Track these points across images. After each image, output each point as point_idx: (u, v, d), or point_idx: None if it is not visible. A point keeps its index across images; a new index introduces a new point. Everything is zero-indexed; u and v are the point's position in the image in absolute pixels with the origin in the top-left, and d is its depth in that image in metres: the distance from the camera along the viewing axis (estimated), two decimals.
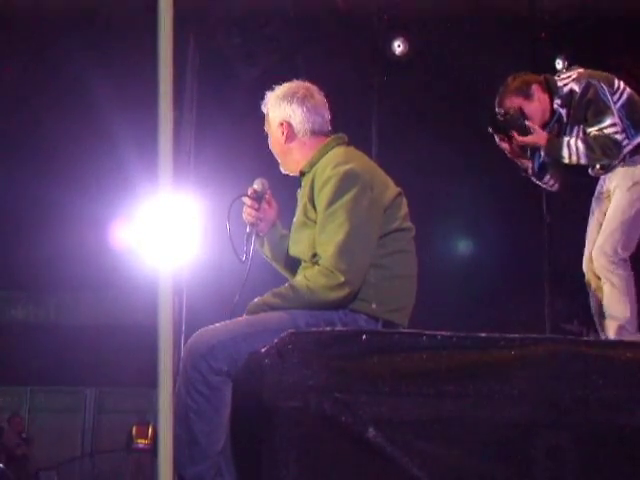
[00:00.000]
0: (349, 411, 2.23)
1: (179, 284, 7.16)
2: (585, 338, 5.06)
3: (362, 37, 7.82)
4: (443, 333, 2.37)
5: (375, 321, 2.69)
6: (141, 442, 12.30)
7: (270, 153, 3.07)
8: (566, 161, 3.73)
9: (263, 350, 2.31)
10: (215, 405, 2.51)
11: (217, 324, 2.63)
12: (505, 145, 3.90)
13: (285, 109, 2.89)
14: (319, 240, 2.69)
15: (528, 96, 3.77)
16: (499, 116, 3.80)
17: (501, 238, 7.77)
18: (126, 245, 8.73)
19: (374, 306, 2.68)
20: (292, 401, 2.23)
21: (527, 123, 3.75)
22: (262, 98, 3.02)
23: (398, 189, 2.86)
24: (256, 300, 2.71)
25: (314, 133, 2.91)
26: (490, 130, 3.85)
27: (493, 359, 2.36)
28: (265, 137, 3.04)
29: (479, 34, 7.57)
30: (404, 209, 2.84)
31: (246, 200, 2.97)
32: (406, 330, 2.67)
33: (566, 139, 3.72)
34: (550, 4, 8.12)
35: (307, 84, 2.96)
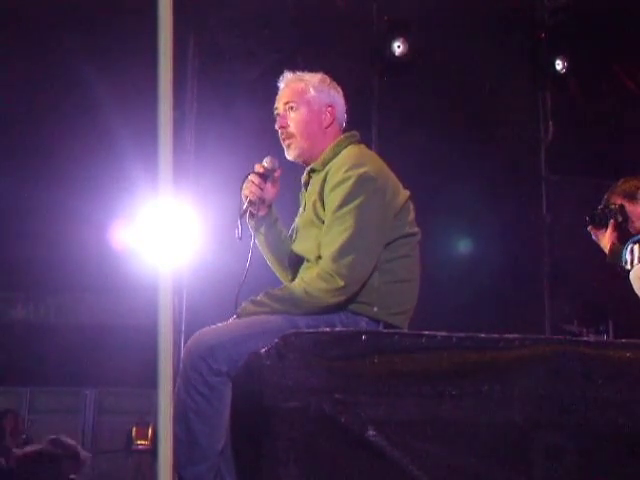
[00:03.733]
0: (349, 412, 2.23)
1: (179, 284, 7.16)
2: (585, 338, 5.07)
3: (362, 37, 7.81)
4: (443, 334, 2.37)
5: (376, 324, 2.69)
6: (141, 443, 12.28)
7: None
8: (628, 267, 3.68)
9: (263, 351, 2.31)
10: (215, 406, 2.51)
11: (217, 325, 2.63)
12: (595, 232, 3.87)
13: (332, 95, 2.91)
14: (324, 241, 2.66)
15: (633, 199, 3.78)
16: (599, 208, 3.81)
17: (501, 238, 7.75)
18: (126, 245, 8.72)
19: (376, 309, 2.66)
20: (292, 402, 2.23)
21: (612, 222, 3.74)
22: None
23: (408, 193, 2.83)
24: (249, 300, 2.69)
25: (341, 127, 2.92)
26: (587, 217, 3.84)
27: (493, 359, 2.36)
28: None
29: (479, 34, 7.57)
30: (412, 213, 2.82)
31: (253, 177, 2.91)
32: (406, 331, 2.67)
33: (630, 245, 3.68)
34: (550, 4, 8.12)
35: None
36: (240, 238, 2.85)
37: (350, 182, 2.65)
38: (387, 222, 2.70)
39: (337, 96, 2.92)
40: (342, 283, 2.57)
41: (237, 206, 2.90)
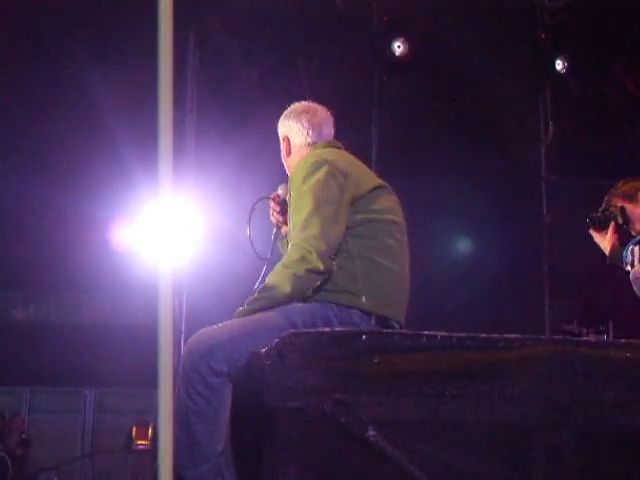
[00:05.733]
0: (349, 411, 2.23)
1: (179, 284, 7.16)
2: (585, 338, 5.06)
3: (362, 37, 7.81)
4: (443, 334, 2.37)
5: (368, 317, 2.71)
6: (141, 443, 12.29)
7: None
8: (628, 268, 3.68)
9: (263, 351, 2.31)
10: (215, 406, 2.51)
11: (216, 325, 2.64)
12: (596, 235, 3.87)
13: (286, 125, 3.08)
14: (292, 222, 2.81)
15: (633, 200, 3.77)
16: (599, 211, 3.81)
17: (501, 238, 7.76)
18: (127, 245, 8.72)
19: (364, 299, 2.71)
20: (292, 402, 2.23)
21: (612, 224, 3.74)
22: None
23: (379, 182, 2.93)
24: (244, 303, 2.72)
25: (309, 145, 3.05)
26: (587, 219, 3.85)
27: (493, 359, 2.36)
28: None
29: (479, 35, 7.57)
30: (386, 202, 2.89)
31: (270, 202, 3.11)
32: (406, 331, 2.67)
33: (630, 246, 3.67)
34: (550, 4, 8.12)
35: (313, 104, 3.14)
36: (267, 258, 3.06)
37: (307, 164, 2.83)
38: (346, 200, 2.78)
39: (292, 123, 3.07)
40: (312, 249, 2.66)
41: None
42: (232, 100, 7.40)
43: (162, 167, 1.44)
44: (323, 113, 3.09)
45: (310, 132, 3.03)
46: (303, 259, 2.65)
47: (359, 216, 2.80)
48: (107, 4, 7.22)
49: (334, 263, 2.74)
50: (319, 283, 2.71)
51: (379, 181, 2.93)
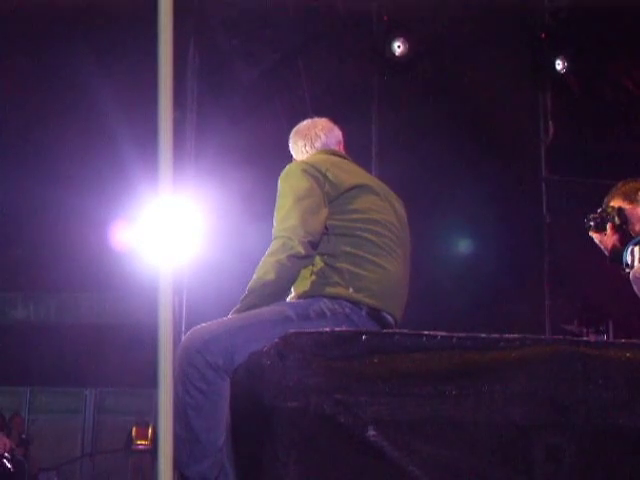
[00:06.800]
0: (349, 411, 2.23)
1: (179, 284, 7.16)
2: (585, 338, 5.06)
3: (362, 37, 7.82)
4: (443, 333, 2.37)
5: (359, 309, 2.73)
6: (141, 443, 12.29)
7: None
8: (628, 270, 3.68)
9: (263, 351, 2.31)
10: (213, 400, 2.52)
11: (209, 322, 2.66)
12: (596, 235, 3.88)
13: (291, 147, 3.23)
14: (274, 220, 2.88)
15: (632, 201, 3.76)
16: (597, 211, 3.82)
17: (501, 238, 7.76)
18: (127, 245, 8.73)
19: (351, 290, 2.73)
20: (292, 401, 2.23)
21: (610, 225, 3.75)
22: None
23: (361, 182, 2.97)
24: (239, 301, 2.74)
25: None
26: (585, 221, 3.86)
27: (493, 359, 2.36)
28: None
29: (479, 35, 7.57)
30: (367, 201, 2.94)
31: None
32: (406, 330, 2.67)
33: (630, 247, 3.67)
34: (550, 4, 8.13)
35: (314, 119, 3.24)
36: None
37: (289, 168, 2.96)
38: (324, 195, 2.86)
39: (293, 144, 3.21)
40: (292, 236, 2.73)
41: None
42: (232, 100, 7.40)
43: (162, 167, 1.44)
44: (321, 125, 3.19)
45: (307, 148, 3.16)
46: (284, 246, 2.73)
47: (338, 216, 2.87)
48: (107, 4, 7.22)
49: (323, 258, 2.80)
50: (302, 268, 2.78)
51: (361, 181, 2.98)
